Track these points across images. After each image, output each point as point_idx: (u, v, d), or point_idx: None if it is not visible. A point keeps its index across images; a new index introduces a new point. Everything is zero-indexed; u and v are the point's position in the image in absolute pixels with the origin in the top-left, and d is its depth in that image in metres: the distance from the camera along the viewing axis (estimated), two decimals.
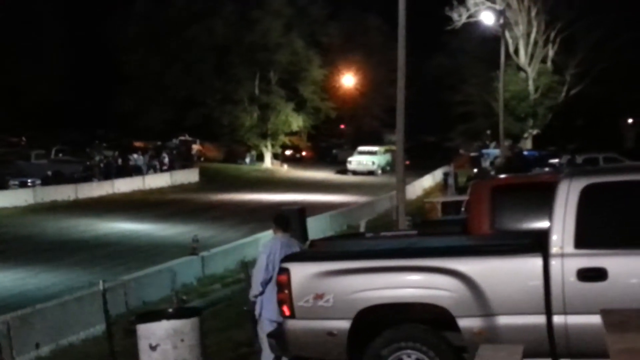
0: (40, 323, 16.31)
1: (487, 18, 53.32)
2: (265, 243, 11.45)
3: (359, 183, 59.78)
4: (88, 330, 17.07)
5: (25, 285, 24.28)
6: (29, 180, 47.09)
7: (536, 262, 7.94)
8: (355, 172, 67.06)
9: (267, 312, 10.64)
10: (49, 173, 50.25)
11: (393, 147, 69.72)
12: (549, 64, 62.84)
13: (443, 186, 43.90)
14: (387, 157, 68.27)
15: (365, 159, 68.28)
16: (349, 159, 69.60)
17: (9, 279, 25.51)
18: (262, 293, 10.71)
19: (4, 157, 55.91)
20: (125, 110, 71.07)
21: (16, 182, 46.68)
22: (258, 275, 10.73)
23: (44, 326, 16.34)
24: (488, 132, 56.12)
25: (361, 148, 70.52)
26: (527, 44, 61.95)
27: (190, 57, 70.18)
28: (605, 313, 6.78)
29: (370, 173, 66.62)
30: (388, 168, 65.61)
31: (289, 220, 11.37)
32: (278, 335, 8.93)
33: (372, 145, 71.71)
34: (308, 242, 12.60)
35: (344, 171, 68.11)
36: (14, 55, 68.24)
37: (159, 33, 69.91)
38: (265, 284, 10.64)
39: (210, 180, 58.46)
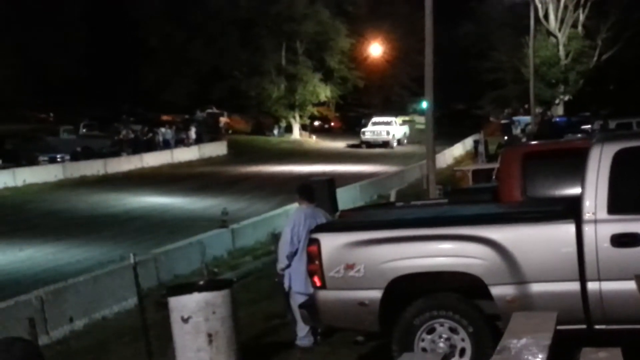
0: (73, 297, 16.36)
1: None
2: (290, 215, 11.41)
3: (388, 153, 59.51)
4: (120, 303, 17.13)
5: (57, 260, 24.39)
6: (58, 156, 47.39)
7: (569, 229, 7.86)
8: (369, 144, 63.18)
9: (295, 285, 10.64)
10: (78, 148, 50.62)
11: (414, 118, 69.33)
12: (579, 28, 62.23)
13: (473, 154, 43.65)
14: (404, 129, 66.61)
15: (379, 130, 64.14)
16: (363, 129, 65.45)
17: (41, 254, 25.66)
18: (288, 266, 10.70)
19: (33, 133, 56.23)
20: (150, 84, 71.13)
21: (45, 158, 46.98)
22: (283, 248, 10.73)
23: (77, 300, 16.39)
24: (526, 105, 55.98)
25: (376, 119, 67.38)
26: (557, 9, 61.31)
27: (214, 30, 69.99)
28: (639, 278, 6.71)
29: (385, 144, 62.83)
30: (405, 141, 64.86)
31: (313, 190, 11.29)
32: (309, 306, 8.92)
33: (399, 114, 71.20)
34: (338, 213, 12.54)
35: (357, 145, 64.26)
36: (37, 31, 68.33)
37: (183, 6, 69.72)
38: (290, 257, 10.64)
39: (239, 153, 58.45)
